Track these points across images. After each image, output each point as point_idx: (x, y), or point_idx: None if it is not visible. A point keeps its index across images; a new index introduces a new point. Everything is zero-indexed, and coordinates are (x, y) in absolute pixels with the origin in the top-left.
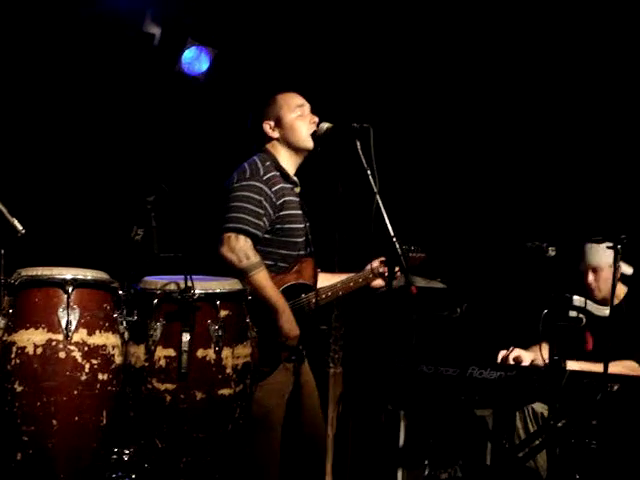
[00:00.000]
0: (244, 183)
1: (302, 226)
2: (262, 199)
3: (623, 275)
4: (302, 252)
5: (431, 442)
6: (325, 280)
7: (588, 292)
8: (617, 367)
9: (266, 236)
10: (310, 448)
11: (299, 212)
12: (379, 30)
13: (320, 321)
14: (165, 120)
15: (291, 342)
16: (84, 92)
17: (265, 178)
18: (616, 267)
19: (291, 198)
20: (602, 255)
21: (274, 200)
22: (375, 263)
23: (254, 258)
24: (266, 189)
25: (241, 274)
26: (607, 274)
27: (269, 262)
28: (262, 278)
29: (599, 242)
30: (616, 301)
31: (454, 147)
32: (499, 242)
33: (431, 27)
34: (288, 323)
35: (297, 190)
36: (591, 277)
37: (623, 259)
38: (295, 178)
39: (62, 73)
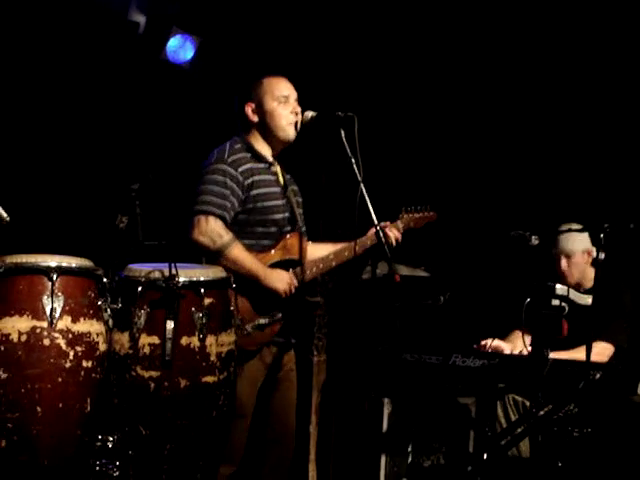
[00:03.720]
0: (210, 167)
1: (280, 202)
2: (227, 180)
3: (595, 260)
4: (286, 228)
5: (414, 430)
6: (318, 250)
7: (560, 277)
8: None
9: (241, 216)
10: (276, 445)
11: (275, 189)
12: (363, 20)
13: (311, 294)
14: (150, 108)
15: (289, 292)
16: (70, 80)
17: (230, 160)
18: (598, 256)
19: (264, 177)
20: (575, 241)
21: (241, 180)
22: (373, 230)
23: (227, 236)
24: (231, 170)
25: (217, 254)
26: (579, 259)
27: (250, 241)
28: (238, 252)
29: (580, 231)
30: (588, 285)
31: (437, 136)
32: (483, 231)
33: (411, 15)
34: (277, 281)
35: (274, 169)
36: (564, 263)
37: (595, 244)
38: (271, 159)
39: (48, 61)
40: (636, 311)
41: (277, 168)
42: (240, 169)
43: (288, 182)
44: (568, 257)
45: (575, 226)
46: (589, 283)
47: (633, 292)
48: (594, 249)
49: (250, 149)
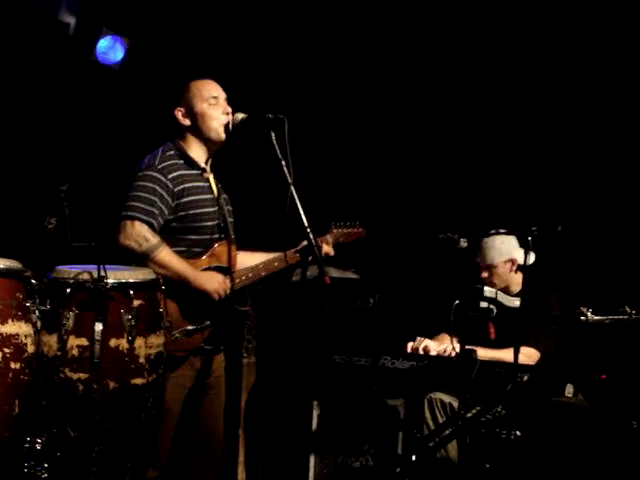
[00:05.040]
0: (140, 174)
1: (213, 210)
2: (156, 187)
3: (520, 265)
4: (216, 236)
5: (343, 431)
6: (249, 259)
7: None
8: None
9: (172, 224)
10: (204, 450)
11: (207, 196)
12: (294, 21)
13: (240, 303)
14: (79, 109)
15: (223, 294)
16: None
17: (160, 167)
18: (526, 260)
19: (196, 184)
20: (495, 252)
21: (171, 187)
22: (305, 243)
23: (153, 239)
24: (160, 177)
25: (144, 258)
26: (501, 270)
27: (180, 249)
28: (165, 255)
29: (507, 234)
30: (515, 289)
31: (367, 139)
32: (411, 233)
33: (341, 18)
34: (207, 282)
35: (207, 176)
36: (485, 274)
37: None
38: (204, 165)
39: None
40: (558, 314)
41: (210, 175)
42: (170, 176)
43: (220, 190)
44: (489, 268)
45: (500, 237)
46: (517, 287)
47: (558, 294)
48: (519, 256)
49: (183, 155)
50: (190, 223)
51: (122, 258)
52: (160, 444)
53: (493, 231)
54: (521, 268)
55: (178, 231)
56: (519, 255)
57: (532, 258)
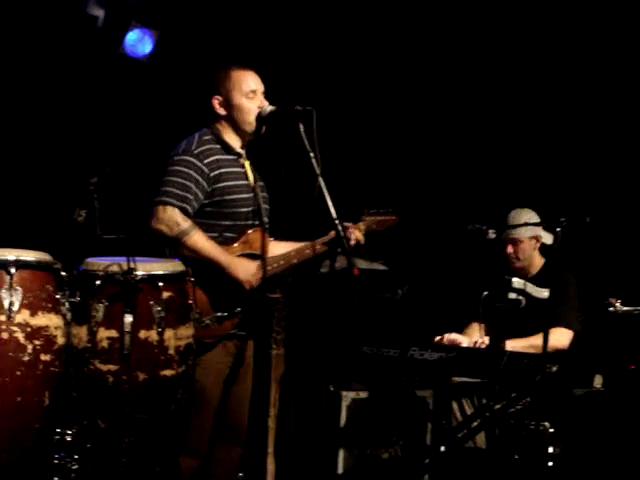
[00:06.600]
0: (175, 158)
1: (248, 196)
2: (192, 172)
3: (543, 245)
4: (250, 222)
5: (372, 422)
6: (277, 247)
7: (507, 261)
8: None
9: (207, 208)
10: (228, 437)
11: (243, 182)
12: (322, 11)
13: (271, 290)
14: (108, 102)
15: (254, 284)
16: (27, 74)
17: (197, 152)
18: (551, 248)
19: (232, 169)
20: (522, 228)
21: (207, 172)
22: (333, 233)
23: (184, 224)
24: (196, 162)
25: (175, 243)
26: (526, 246)
27: (213, 234)
28: (197, 240)
29: (536, 225)
30: (533, 272)
31: (395, 130)
32: (440, 225)
33: (369, 11)
34: (241, 271)
35: (243, 162)
36: (510, 249)
37: (546, 229)
38: (241, 150)
39: (4, 54)
40: (587, 305)
41: (245, 161)
42: (207, 160)
43: (256, 177)
44: (515, 243)
45: (526, 212)
46: (534, 270)
47: (580, 283)
48: (543, 235)
49: (219, 140)
50: (225, 208)
51: (153, 250)
52: (199, 432)
53: (515, 212)
54: (542, 251)
55: (212, 216)
56: (543, 233)
57: (550, 239)
